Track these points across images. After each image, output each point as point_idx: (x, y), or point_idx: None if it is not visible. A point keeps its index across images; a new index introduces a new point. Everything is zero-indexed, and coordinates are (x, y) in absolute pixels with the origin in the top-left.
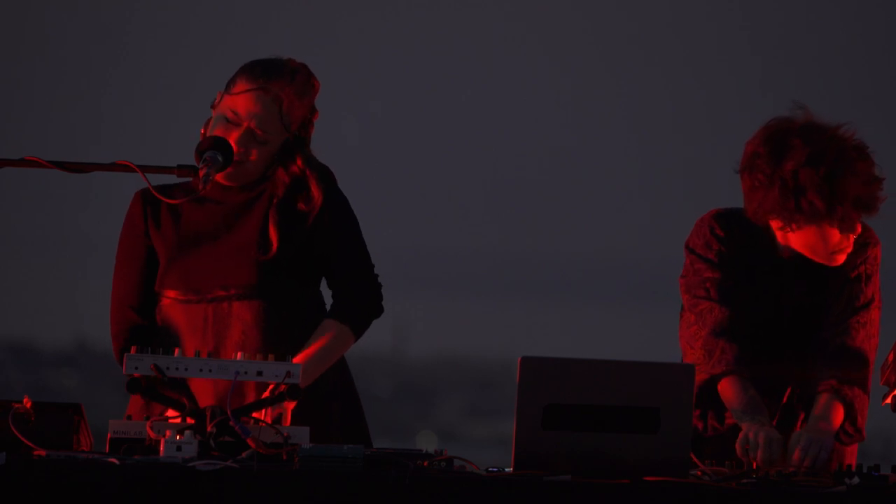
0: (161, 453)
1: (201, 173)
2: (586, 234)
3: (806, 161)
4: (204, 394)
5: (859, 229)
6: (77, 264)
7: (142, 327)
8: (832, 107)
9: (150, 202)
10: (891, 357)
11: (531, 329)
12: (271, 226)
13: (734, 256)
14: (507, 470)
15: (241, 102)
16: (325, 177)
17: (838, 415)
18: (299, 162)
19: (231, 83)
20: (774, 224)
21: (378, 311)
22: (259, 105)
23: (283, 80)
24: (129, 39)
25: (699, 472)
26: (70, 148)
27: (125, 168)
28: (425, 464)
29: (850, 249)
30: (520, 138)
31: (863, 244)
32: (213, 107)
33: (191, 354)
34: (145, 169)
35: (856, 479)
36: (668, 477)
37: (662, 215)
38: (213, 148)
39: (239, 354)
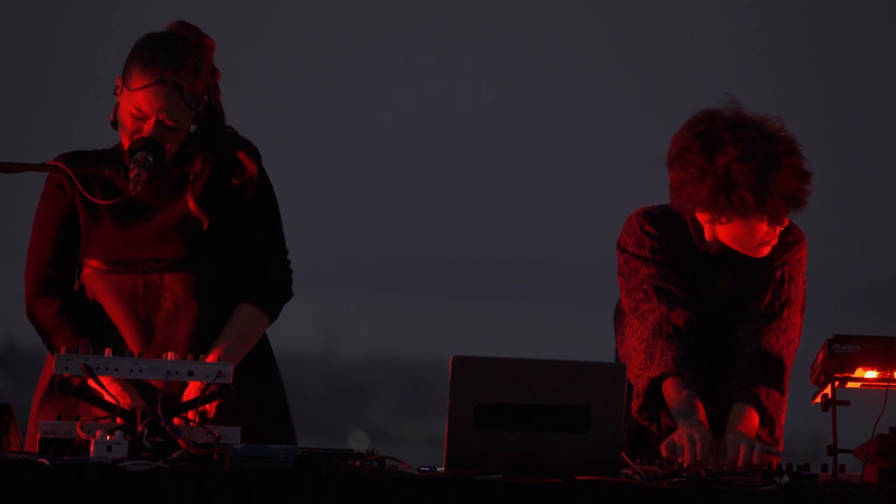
0: (91, 454)
1: (132, 174)
2: (586, 234)
3: (738, 156)
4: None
5: (787, 222)
6: (3, 262)
7: (57, 280)
8: (833, 106)
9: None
10: (820, 357)
11: (532, 329)
12: (200, 202)
13: (666, 251)
14: (438, 469)
15: (143, 99)
16: (254, 153)
17: (753, 421)
18: (224, 138)
19: (127, 75)
20: (702, 217)
21: (290, 295)
22: (161, 98)
23: (176, 66)
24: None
25: (630, 472)
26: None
27: (55, 168)
28: (357, 464)
29: (775, 241)
30: (520, 138)
31: (789, 243)
32: (115, 93)
33: (120, 325)
34: (75, 169)
35: (785, 478)
36: (600, 476)
37: None
38: (144, 149)
39: (171, 355)
